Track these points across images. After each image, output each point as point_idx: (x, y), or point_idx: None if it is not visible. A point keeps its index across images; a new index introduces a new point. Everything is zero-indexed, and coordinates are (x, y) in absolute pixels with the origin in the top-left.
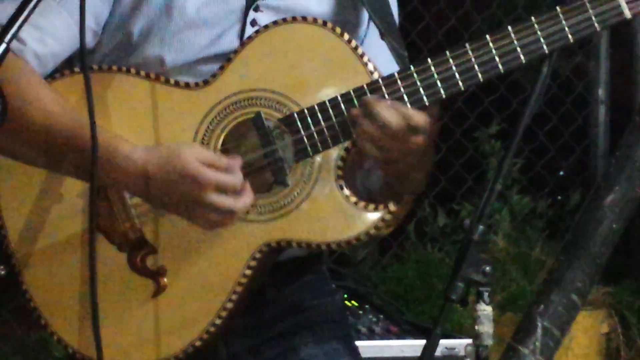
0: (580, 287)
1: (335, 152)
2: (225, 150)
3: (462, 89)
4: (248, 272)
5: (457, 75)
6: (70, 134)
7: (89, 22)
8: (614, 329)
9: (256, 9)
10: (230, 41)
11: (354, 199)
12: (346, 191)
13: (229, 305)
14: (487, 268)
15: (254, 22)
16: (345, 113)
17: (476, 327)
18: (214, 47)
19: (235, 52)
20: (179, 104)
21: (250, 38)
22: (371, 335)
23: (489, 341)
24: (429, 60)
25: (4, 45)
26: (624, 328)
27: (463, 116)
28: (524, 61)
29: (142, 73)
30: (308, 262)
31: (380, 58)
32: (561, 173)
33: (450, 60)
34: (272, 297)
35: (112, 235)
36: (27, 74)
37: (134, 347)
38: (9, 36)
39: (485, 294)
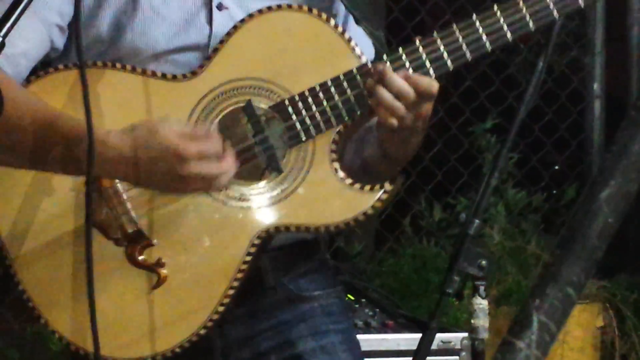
0: (576, 281)
1: (328, 136)
2: None
3: (450, 69)
4: (248, 258)
5: (445, 54)
6: (49, 130)
7: (54, 18)
8: (609, 323)
9: None
10: (200, 27)
11: (349, 180)
12: (341, 173)
13: (231, 292)
14: (483, 262)
15: (220, 6)
16: (335, 97)
17: (472, 321)
18: (185, 34)
19: (222, 42)
20: (168, 96)
21: (235, 27)
22: (367, 329)
23: (484, 335)
24: (417, 41)
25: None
26: (619, 322)
27: (459, 111)
28: (488, 49)
29: (128, 67)
30: (308, 248)
31: (360, 45)
32: (556, 167)
33: (439, 41)
34: (270, 284)
35: (108, 230)
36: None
37: (139, 340)
38: (4, 30)
39: (481, 288)
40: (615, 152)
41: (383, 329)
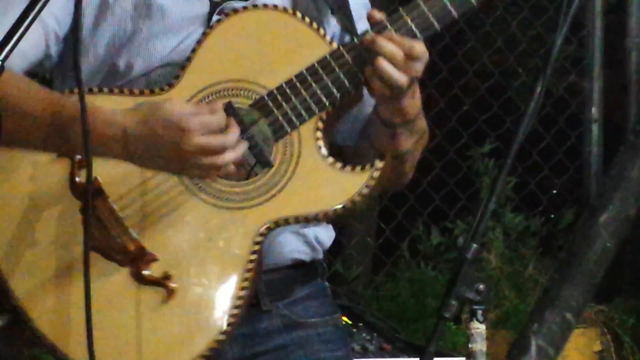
0: (574, 306)
1: (311, 124)
2: None
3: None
4: (254, 257)
5: (414, 29)
6: (50, 112)
7: (52, 24)
8: (607, 347)
9: (219, 13)
10: (191, 46)
11: (339, 164)
12: (330, 159)
13: (243, 292)
14: (481, 286)
15: None
16: (313, 85)
17: (470, 346)
18: (175, 53)
19: (193, 50)
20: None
21: (205, 34)
22: (365, 353)
23: (482, 359)
24: (385, 20)
25: None
26: (617, 346)
27: (456, 135)
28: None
29: (116, 90)
30: (304, 272)
31: None
32: (554, 192)
33: (404, 15)
34: (267, 309)
35: (109, 252)
36: None
37: (159, 357)
38: (3, 55)
39: (479, 312)
40: (614, 177)
41: (380, 353)
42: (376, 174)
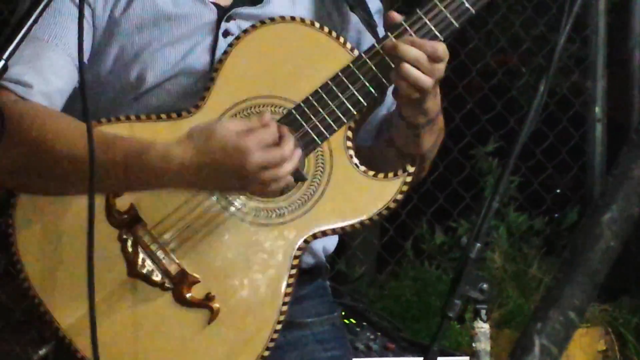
0: (578, 305)
1: (341, 134)
2: None
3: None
4: (293, 271)
5: (435, 31)
6: (108, 150)
7: (73, 50)
8: (611, 347)
9: (228, 19)
10: (202, 53)
11: (371, 172)
12: (362, 167)
13: (284, 308)
14: (485, 285)
15: (226, 33)
16: (340, 95)
17: (473, 345)
18: (188, 61)
19: (216, 70)
20: (176, 136)
21: (225, 53)
22: (368, 353)
23: (486, 359)
24: (403, 22)
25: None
26: (621, 345)
27: (460, 134)
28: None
29: (132, 117)
30: (308, 275)
31: None
32: (558, 191)
33: (423, 17)
34: None
35: (151, 276)
36: (42, 111)
37: None
38: (6, 54)
39: (483, 312)
40: (617, 175)
41: (384, 352)
42: (408, 179)
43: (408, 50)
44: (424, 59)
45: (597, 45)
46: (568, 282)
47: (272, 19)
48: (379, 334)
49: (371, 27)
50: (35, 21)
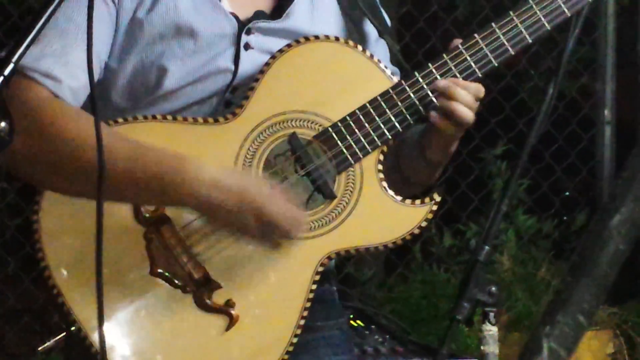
0: (586, 308)
1: (373, 156)
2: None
3: (479, 74)
4: (314, 287)
5: (472, 64)
6: (134, 160)
7: (103, 54)
8: (620, 350)
9: (248, 32)
10: (225, 65)
11: (399, 197)
12: (391, 192)
13: (302, 322)
14: (493, 288)
15: (247, 46)
16: (376, 119)
17: (482, 348)
18: (209, 71)
19: (257, 80)
20: (212, 141)
21: (268, 64)
22: (377, 356)
23: None
24: (444, 55)
25: (11, 66)
26: (630, 348)
27: (469, 137)
28: (512, 53)
29: (169, 117)
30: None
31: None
32: (567, 194)
33: (464, 52)
34: None
35: (174, 279)
36: (76, 115)
37: None
38: (16, 56)
39: (491, 315)
40: (626, 178)
41: (393, 355)
42: (435, 207)
43: (460, 92)
44: (472, 101)
45: (606, 48)
46: (577, 285)
47: (317, 37)
48: (388, 336)
49: (394, 55)
50: (45, 23)
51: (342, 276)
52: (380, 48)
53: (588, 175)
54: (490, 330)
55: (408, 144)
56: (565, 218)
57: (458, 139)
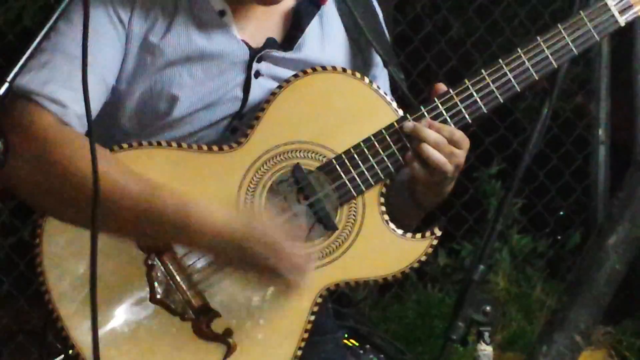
0: (583, 328)
1: (376, 189)
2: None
3: (485, 110)
4: (312, 318)
5: (478, 100)
6: (140, 200)
7: (110, 78)
8: None
9: (259, 60)
10: (235, 93)
11: (400, 231)
12: (392, 225)
13: (299, 352)
14: (488, 308)
15: (257, 74)
16: (380, 152)
17: None
18: (219, 99)
19: (262, 109)
20: (216, 169)
21: (274, 94)
22: None
23: None
24: (450, 90)
25: (5, 85)
26: None
27: None
28: (537, 78)
29: (174, 144)
30: None
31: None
32: (561, 213)
33: (470, 87)
34: None
35: (174, 307)
36: (84, 144)
37: None
38: (11, 75)
39: (486, 334)
40: (622, 198)
41: None
42: (435, 242)
43: (428, 134)
44: (444, 143)
45: (600, 67)
46: (574, 305)
47: (324, 68)
48: (382, 356)
49: (402, 83)
50: (40, 42)
51: (336, 295)
52: (383, 77)
53: (582, 195)
54: (485, 349)
55: (397, 185)
56: (559, 237)
57: (446, 185)
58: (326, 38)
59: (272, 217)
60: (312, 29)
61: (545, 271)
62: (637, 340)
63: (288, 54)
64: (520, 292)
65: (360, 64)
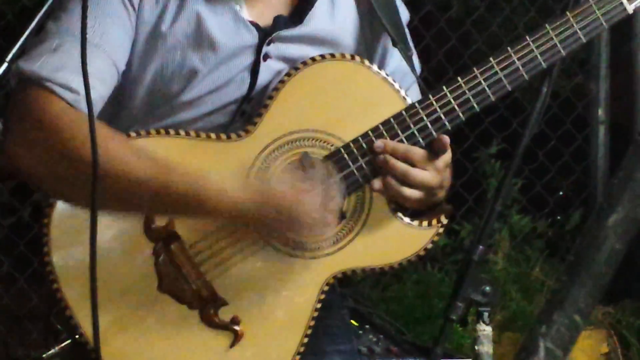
0: (582, 308)
1: None
2: None
3: (493, 99)
4: (319, 305)
5: (487, 89)
6: (157, 182)
7: (122, 61)
8: (614, 349)
9: (269, 43)
10: (244, 76)
11: (407, 219)
12: (399, 213)
13: (306, 340)
14: (487, 288)
15: (266, 56)
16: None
17: (476, 347)
18: (224, 81)
19: (270, 97)
20: (224, 158)
21: (282, 82)
22: (371, 355)
23: None
24: (459, 78)
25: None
26: (624, 348)
27: (463, 136)
28: (545, 66)
29: (182, 132)
30: None
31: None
32: (561, 193)
33: (479, 76)
34: None
35: (182, 295)
36: (98, 129)
37: None
38: (10, 55)
39: (485, 314)
40: (622, 178)
41: (387, 355)
42: (441, 230)
43: (397, 146)
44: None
45: (600, 47)
46: (573, 285)
47: (332, 55)
48: (382, 336)
49: (411, 62)
50: (39, 23)
51: None
52: (396, 56)
53: (582, 175)
54: (485, 329)
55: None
56: (559, 217)
57: (438, 191)
58: (337, 8)
59: (288, 179)
60: (322, 1)
61: (545, 251)
62: (637, 320)
63: (297, 30)
64: (520, 272)
65: (369, 37)
